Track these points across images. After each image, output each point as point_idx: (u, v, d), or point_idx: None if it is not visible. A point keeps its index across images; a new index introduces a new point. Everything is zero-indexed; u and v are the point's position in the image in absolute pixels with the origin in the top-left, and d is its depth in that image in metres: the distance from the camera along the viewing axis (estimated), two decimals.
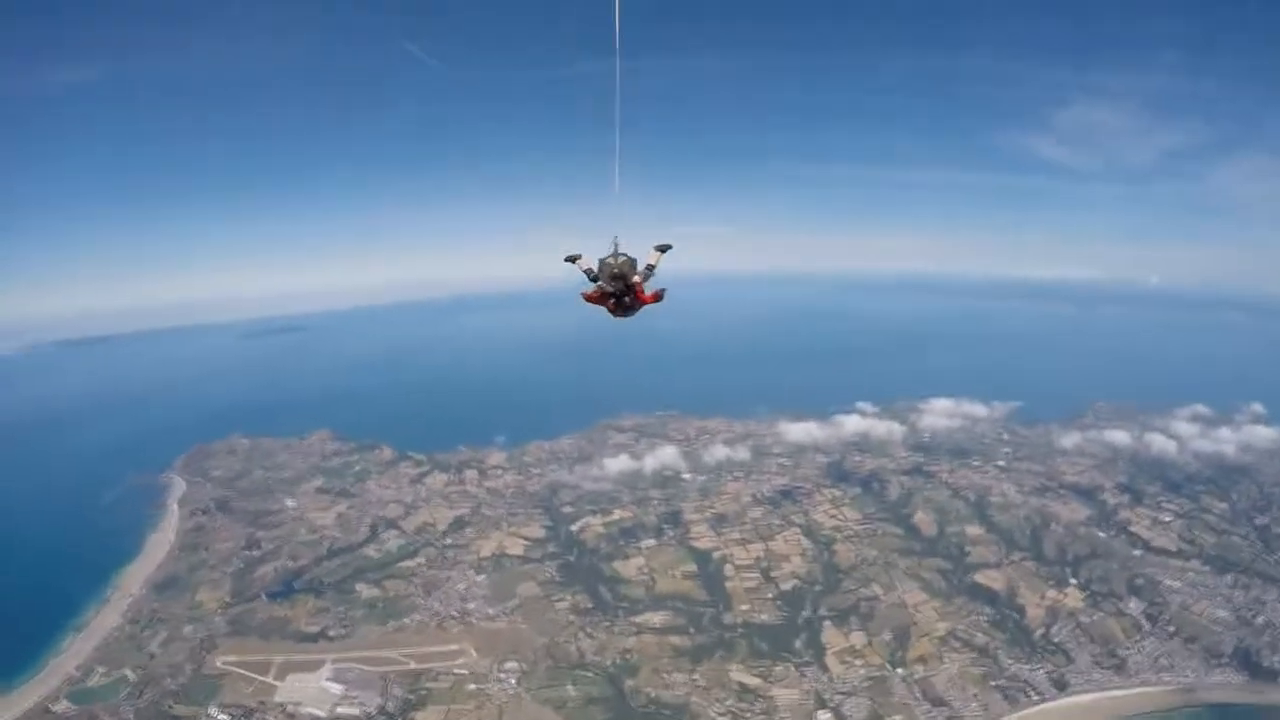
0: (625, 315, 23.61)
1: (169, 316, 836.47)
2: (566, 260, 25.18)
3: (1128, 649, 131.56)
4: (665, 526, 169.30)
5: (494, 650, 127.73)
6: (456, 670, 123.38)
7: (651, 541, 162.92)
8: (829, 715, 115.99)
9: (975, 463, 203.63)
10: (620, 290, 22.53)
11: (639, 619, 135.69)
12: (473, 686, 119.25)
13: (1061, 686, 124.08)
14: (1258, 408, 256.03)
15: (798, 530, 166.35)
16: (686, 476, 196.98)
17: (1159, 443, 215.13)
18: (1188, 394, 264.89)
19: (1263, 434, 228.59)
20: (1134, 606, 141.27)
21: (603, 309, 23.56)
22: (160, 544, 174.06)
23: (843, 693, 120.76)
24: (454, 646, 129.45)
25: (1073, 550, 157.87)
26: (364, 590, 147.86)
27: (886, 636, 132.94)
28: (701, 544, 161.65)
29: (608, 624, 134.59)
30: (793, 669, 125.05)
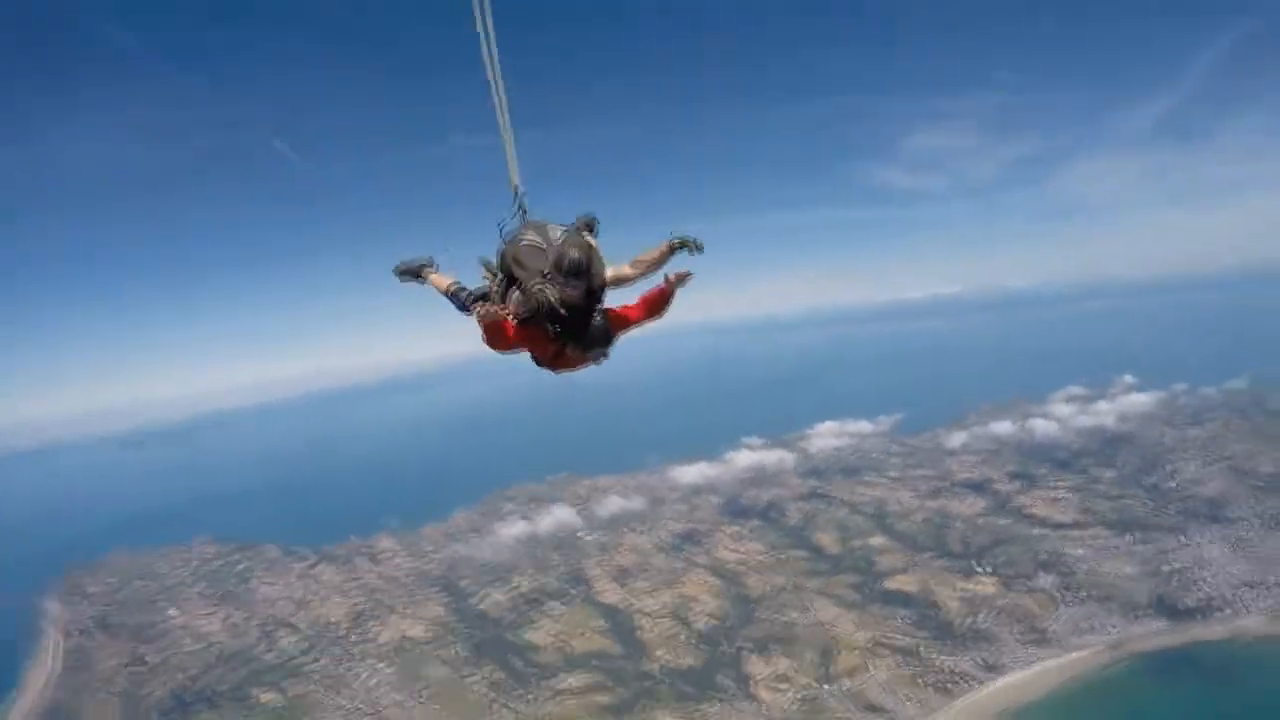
0: (581, 362, 12.67)
1: (42, 433, 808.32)
2: (402, 273, 14.68)
3: (1048, 621, 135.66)
4: (569, 588, 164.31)
5: None
6: None
7: (558, 605, 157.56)
8: None
9: (869, 478, 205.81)
10: (572, 312, 11.80)
11: (557, 684, 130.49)
12: None
13: (993, 669, 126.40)
14: (1129, 379, 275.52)
15: (704, 570, 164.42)
16: (584, 535, 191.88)
17: (1041, 427, 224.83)
18: (1061, 379, 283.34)
19: (1138, 401, 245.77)
20: (1046, 581, 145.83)
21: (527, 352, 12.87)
22: (39, 673, 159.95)
23: (777, 719, 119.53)
24: None
25: (976, 542, 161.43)
26: (263, 695, 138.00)
27: (811, 656, 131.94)
28: (609, 599, 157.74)
29: (526, 695, 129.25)
30: (723, 706, 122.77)
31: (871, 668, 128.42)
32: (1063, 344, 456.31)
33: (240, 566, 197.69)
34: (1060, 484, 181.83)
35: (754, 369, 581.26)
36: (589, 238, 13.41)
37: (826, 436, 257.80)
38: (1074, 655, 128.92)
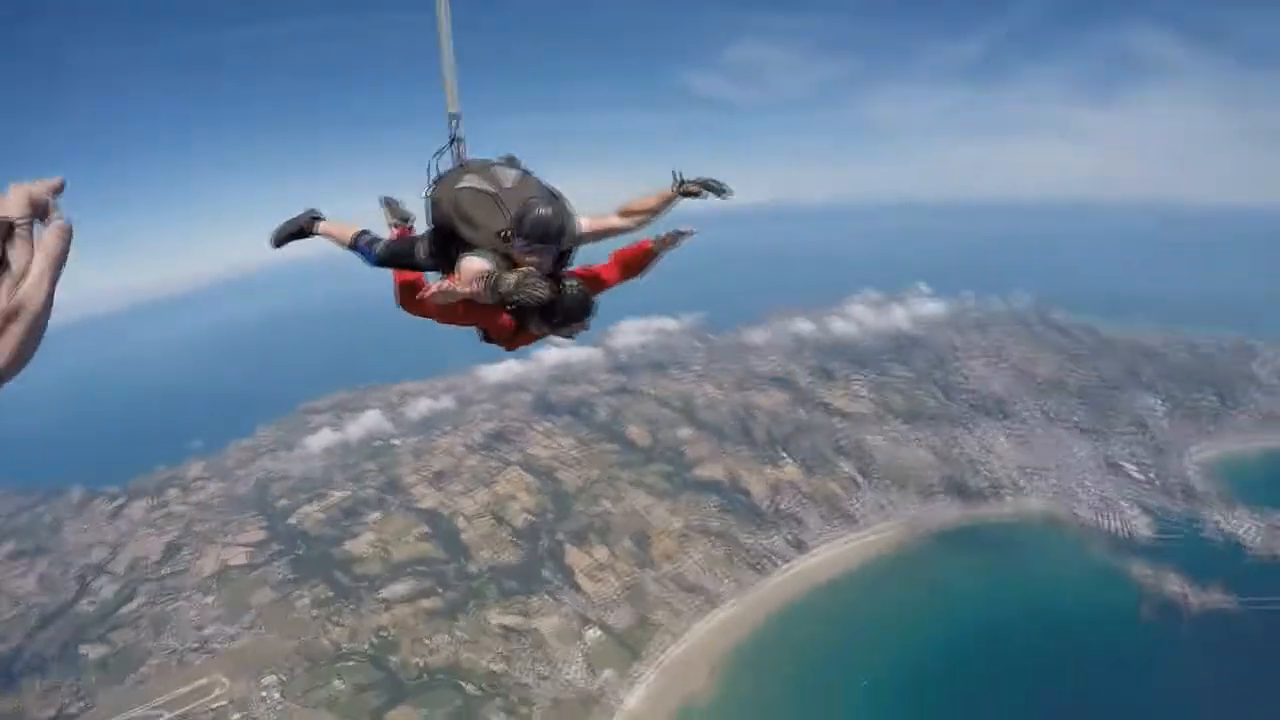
0: (543, 337, 10.73)
1: None
2: (279, 240, 12.22)
3: (851, 503, 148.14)
4: (386, 496, 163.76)
5: (246, 671, 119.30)
6: (215, 704, 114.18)
7: (376, 514, 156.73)
8: (596, 631, 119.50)
9: (674, 373, 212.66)
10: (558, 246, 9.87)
11: (384, 594, 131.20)
12: (237, 716, 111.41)
13: (801, 548, 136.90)
14: (923, 287, 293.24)
15: (518, 468, 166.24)
16: (397, 442, 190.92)
17: (839, 327, 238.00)
18: (859, 286, 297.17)
19: (930, 307, 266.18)
20: (847, 468, 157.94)
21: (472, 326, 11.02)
22: None
23: (602, 606, 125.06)
24: (204, 680, 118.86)
25: (780, 432, 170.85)
26: (90, 652, 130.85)
27: (628, 544, 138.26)
28: (427, 504, 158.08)
29: (354, 608, 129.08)
30: (549, 598, 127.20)
31: (687, 551, 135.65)
32: (861, 254, 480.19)
33: (47, 518, 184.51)
34: (858, 379, 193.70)
35: None
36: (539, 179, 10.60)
37: (631, 333, 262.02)
38: (874, 533, 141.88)
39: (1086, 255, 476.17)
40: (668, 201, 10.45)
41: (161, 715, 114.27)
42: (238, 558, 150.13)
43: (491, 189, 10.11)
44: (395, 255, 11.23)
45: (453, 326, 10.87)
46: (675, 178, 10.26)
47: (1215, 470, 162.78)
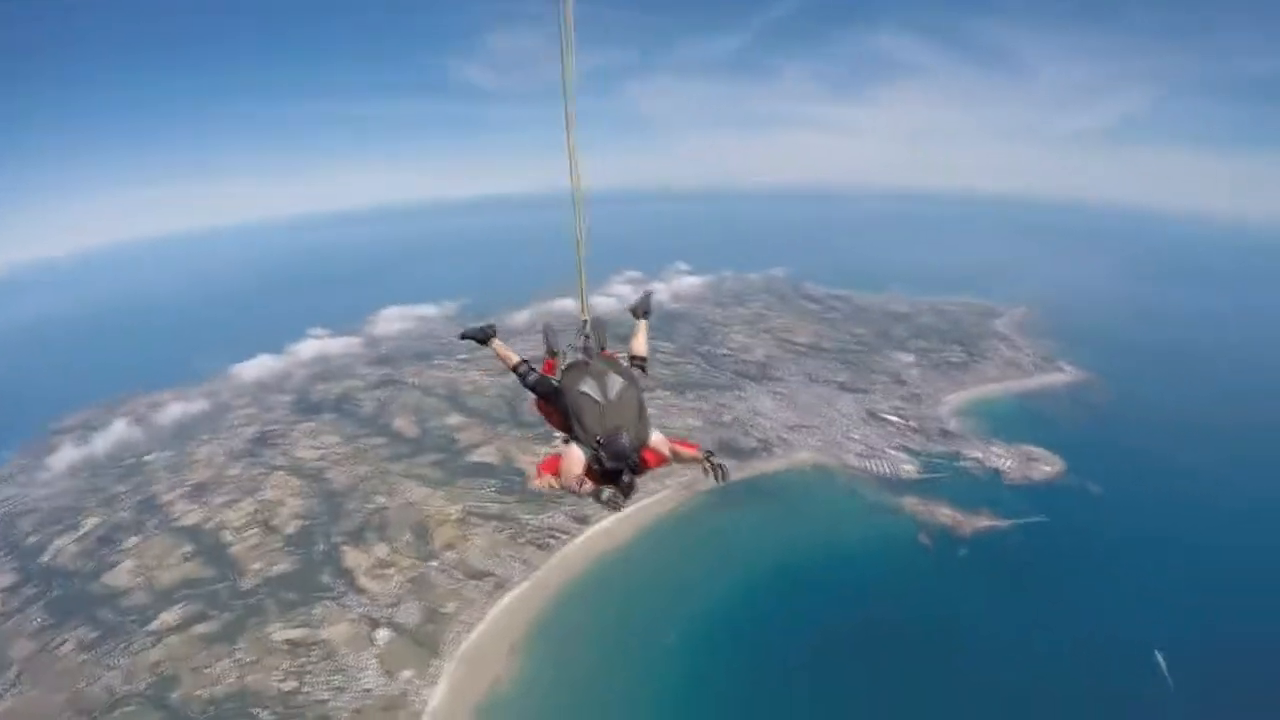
0: (621, 498, 15.51)
1: None
2: (468, 337, 18.55)
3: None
4: (144, 517, 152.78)
5: None
6: None
7: (135, 539, 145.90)
8: (387, 632, 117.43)
9: (439, 361, 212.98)
10: (621, 468, 14.82)
11: (155, 625, 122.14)
12: None
13: (583, 521, 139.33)
14: (681, 265, 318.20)
15: (284, 472, 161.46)
16: (150, 456, 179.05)
17: (602, 305, 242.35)
18: (621, 266, 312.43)
19: (690, 283, 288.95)
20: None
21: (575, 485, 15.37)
22: None
23: (389, 605, 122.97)
24: None
25: None
26: None
27: (407, 538, 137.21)
28: (189, 521, 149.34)
29: (125, 646, 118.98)
30: (332, 605, 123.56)
31: (469, 538, 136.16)
32: (624, 238, 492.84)
33: None
34: (624, 354, 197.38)
35: (319, 264, 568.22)
36: (640, 391, 16.22)
37: (392, 321, 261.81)
38: (655, 498, 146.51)
39: (838, 236, 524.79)
40: (698, 460, 16.35)
41: None
42: None
43: (600, 400, 15.28)
44: (540, 387, 17.00)
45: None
46: (703, 452, 16.41)
47: (968, 413, 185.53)
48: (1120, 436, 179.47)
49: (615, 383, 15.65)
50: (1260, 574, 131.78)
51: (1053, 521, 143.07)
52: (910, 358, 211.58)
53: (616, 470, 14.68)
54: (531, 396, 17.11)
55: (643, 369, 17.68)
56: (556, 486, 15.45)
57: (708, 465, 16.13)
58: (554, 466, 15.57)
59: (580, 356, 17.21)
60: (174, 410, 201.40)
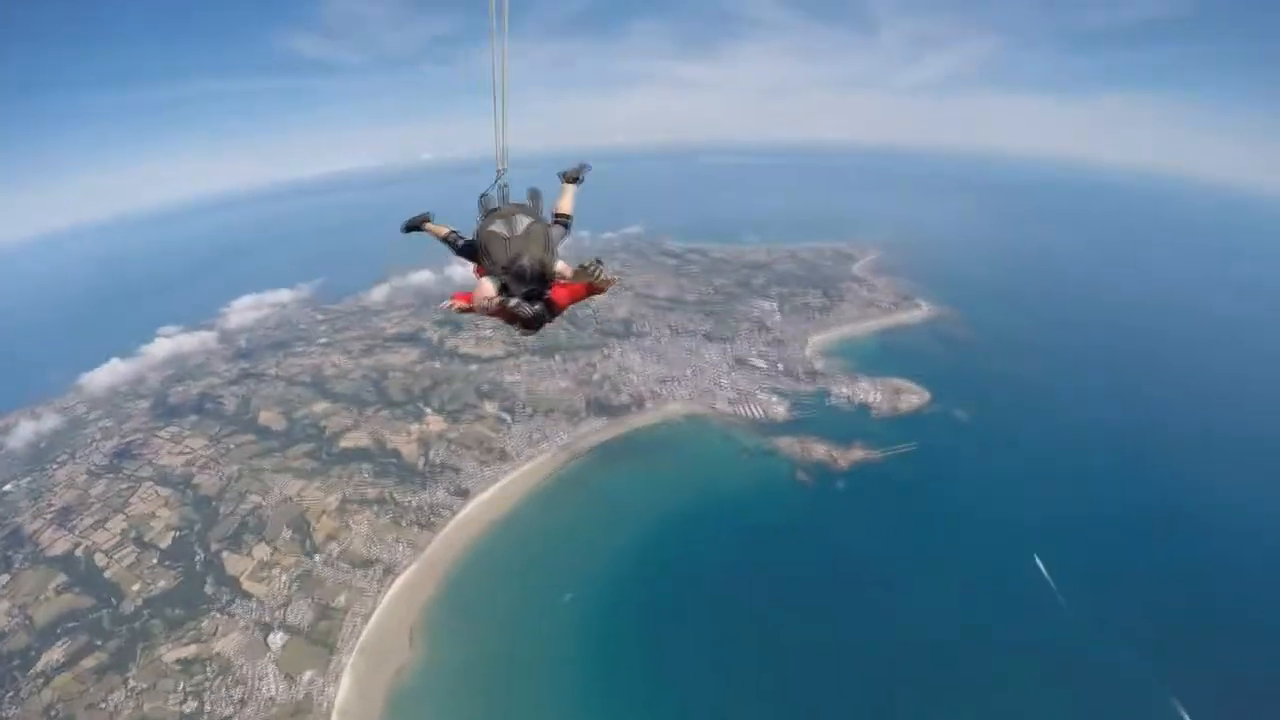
0: (536, 327, 16.76)
1: None
2: (408, 228, 19.48)
3: (503, 441, 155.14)
4: (11, 552, 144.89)
5: None
6: None
7: (4, 577, 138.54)
8: (281, 635, 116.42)
9: (299, 349, 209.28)
10: (531, 292, 16.15)
11: (40, 666, 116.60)
12: None
13: (464, 494, 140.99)
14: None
15: (151, 484, 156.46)
16: (8, 487, 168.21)
17: (460, 274, 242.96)
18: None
19: None
20: (491, 408, 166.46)
21: (495, 320, 16.90)
22: None
23: (279, 607, 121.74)
24: None
25: (418, 387, 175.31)
26: None
27: (288, 535, 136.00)
28: (59, 549, 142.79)
29: (12, 695, 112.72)
30: (220, 616, 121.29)
31: (351, 527, 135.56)
32: (475, 206, 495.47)
33: None
34: (486, 324, 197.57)
35: (161, 261, 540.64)
36: (525, 204, 18.07)
37: (246, 311, 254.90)
38: (533, 463, 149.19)
39: (693, 191, 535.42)
40: (579, 273, 16.60)
41: None
42: None
43: (505, 234, 16.90)
44: (465, 249, 18.44)
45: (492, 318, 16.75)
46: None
47: (833, 353, 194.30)
48: (978, 364, 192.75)
49: (522, 221, 17.25)
50: (1110, 470, 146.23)
51: (923, 448, 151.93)
52: (772, 304, 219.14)
53: (527, 297, 16.12)
54: (471, 266, 18.19)
55: (566, 226, 18.65)
56: (467, 307, 16.86)
57: (596, 270, 16.69)
58: (467, 297, 16.96)
59: (495, 204, 18.61)
60: (25, 431, 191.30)
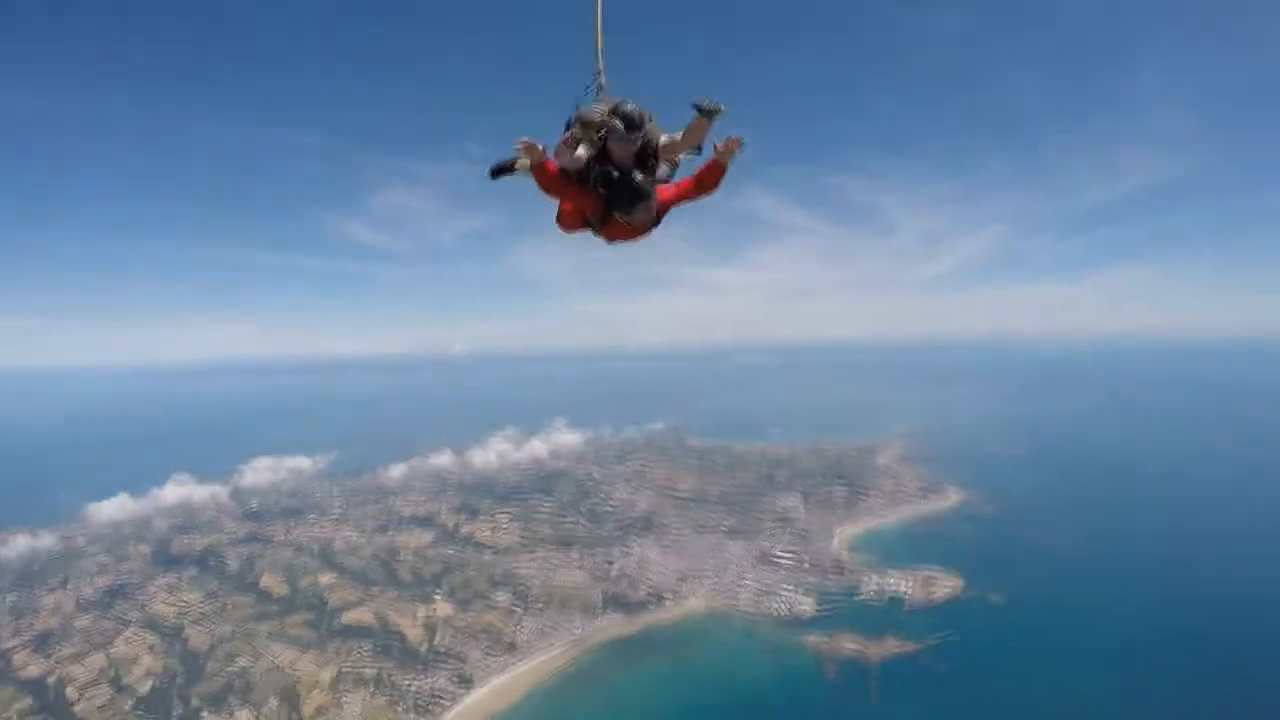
0: (630, 231, 14.58)
1: None
2: (495, 173, 15.18)
3: (513, 632, 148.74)
4: None
5: None
6: None
7: None
8: None
9: (311, 518, 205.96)
10: (625, 165, 14.08)
11: None
12: None
13: (467, 683, 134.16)
14: (560, 421, 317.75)
15: (139, 627, 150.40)
16: None
17: (480, 460, 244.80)
18: (498, 426, 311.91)
19: (569, 439, 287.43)
20: (503, 598, 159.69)
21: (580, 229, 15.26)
22: None
23: None
24: None
25: (428, 570, 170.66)
26: None
27: (274, 703, 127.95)
28: (30, 672, 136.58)
29: None
30: None
31: (343, 704, 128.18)
32: (503, 397, 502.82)
33: None
34: (503, 513, 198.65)
35: (187, 413, 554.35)
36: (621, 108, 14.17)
37: (262, 471, 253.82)
38: (543, 657, 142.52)
39: (715, 390, 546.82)
40: (699, 123, 13.65)
41: None
42: None
43: (600, 118, 14.03)
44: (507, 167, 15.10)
45: (568, 200, 14.81)
46: (696, 102, 13.41)
47: (860, 545, 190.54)
48: (1009, 540, 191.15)
49: (626, 106, 14.32)
50: (1160, 640, 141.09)
51: (957, 636, 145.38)
52: (795, 499, 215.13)
53: (624, 168, 14.01)
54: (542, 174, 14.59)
55: (674, 166, 15.32)
56: (542, 168, 14.10)
57: (720, 147, 13.90)
58: (553, 166, 14.44)
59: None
60: (19, 545, 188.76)
